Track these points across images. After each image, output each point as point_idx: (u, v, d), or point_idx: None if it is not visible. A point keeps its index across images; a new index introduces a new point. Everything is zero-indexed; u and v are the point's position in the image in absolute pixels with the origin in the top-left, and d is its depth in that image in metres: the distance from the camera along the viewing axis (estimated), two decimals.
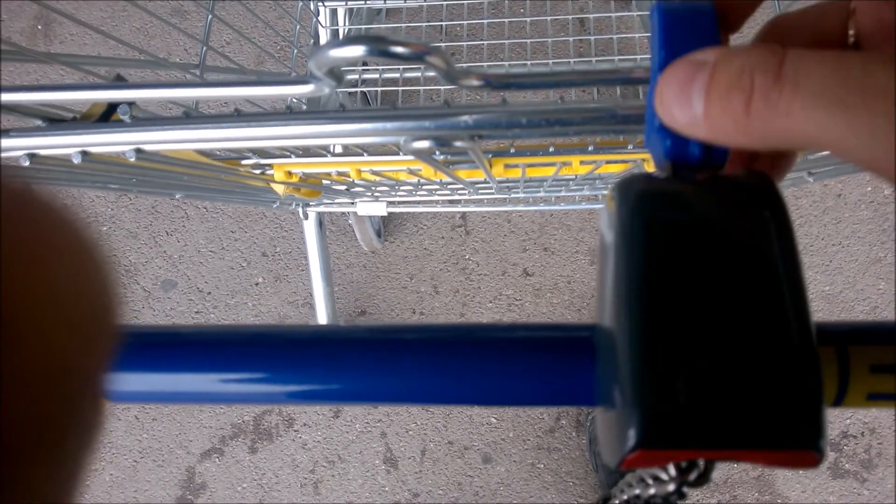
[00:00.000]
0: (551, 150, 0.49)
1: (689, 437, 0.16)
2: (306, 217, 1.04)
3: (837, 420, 1.16)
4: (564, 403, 0.22)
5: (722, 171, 0.20)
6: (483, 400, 0.22)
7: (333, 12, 0.89)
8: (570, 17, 0.88)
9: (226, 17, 1.26)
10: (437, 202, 1.03)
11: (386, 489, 1.20)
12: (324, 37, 0.89)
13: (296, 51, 0.78)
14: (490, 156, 0.52)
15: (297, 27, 0.78)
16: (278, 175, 0.55)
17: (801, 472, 1.14)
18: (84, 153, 0.35)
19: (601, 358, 0.20)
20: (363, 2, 0.88)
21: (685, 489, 0.22)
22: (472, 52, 1.17)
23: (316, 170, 0.55)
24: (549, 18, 0.88)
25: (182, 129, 0.32)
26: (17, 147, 0.34)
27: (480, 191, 0.78)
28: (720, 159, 0.20)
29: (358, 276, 1.26)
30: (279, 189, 0.60)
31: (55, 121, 0.35)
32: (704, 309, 0.17)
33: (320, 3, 0.87)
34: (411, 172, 0.56)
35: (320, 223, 1.08)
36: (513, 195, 0.82)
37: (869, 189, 1.18)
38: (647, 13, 0.30)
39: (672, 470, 0.22)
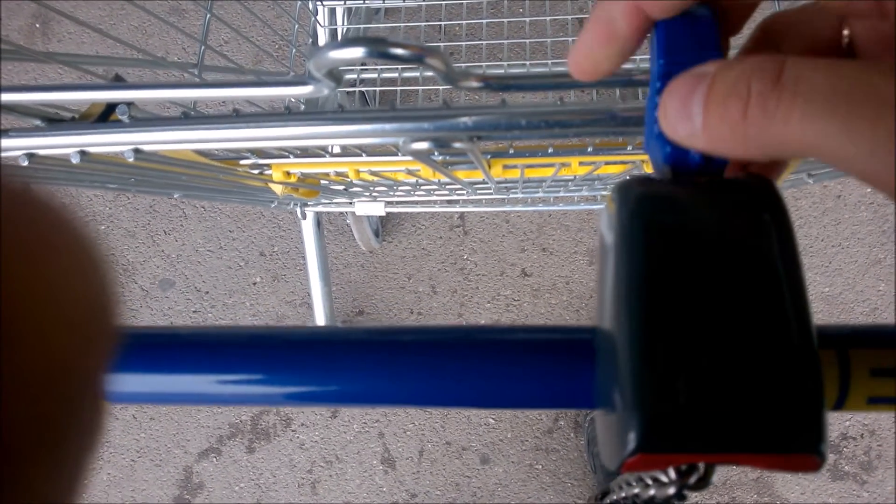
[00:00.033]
0: (550, 150, 0.49)
1: (689, 440, 0.16)
2: (304, 217, 1.04)
3: (837, 422, 1.16)
4: (564, 406, 0.22)
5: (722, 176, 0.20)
6: (483, 402, 0.22)
7: (332, 11, 0.89)
8: (569, 17, 0.88)
9: (224, 16, 1.26)
10: (435, 202, 1.03)
11: (384, 489, 1.20)
12: (322, 36, 0.89)
13: (294, 50, 0.78)
14: (489, 156, 0.52)
15: (296, 26, 0.78)
16: (276, 175, 0.55)
17: (800, 474, 1.14)
18: (83, 153, 0.35)
19: (601, 360, 0.20)
20: (362, 1, 0.88)
21: (685, 492, 0.21)
22: (470, 51, 1.17)
23: (314, 170, 0.54)
24: (548, 18, 0.88)
25: (180, 130, 0.32)
26: (16, 147, 0.34)
27: (479, 191, 0.78)
28: (720, 166, 0.20)
29: (356, 276, 1.26)
30: (277, 189, 0.60)
31: (54, 121, 0.35)
32: (705, 312, 0.17)
33: (319, 3, 0.87)
34: (409, 173, 0.56)
35: (318, 223, 1.08)
36: (511, 195, 0.82)
37: (869, 190, 1.18)
38: None
39: (672, 473, 0.22)
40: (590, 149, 0.47)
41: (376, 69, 0.89)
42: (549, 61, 0.85)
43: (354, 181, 0.59)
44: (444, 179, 0.57)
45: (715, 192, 0.19)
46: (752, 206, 0.18)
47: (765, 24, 0.22)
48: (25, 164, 0.35)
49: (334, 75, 0.27)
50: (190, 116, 0.33)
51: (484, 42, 0.86)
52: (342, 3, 0.88)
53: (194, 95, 0.32)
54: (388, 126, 0.30)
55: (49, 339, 0.10)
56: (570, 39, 0.88)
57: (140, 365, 0.23)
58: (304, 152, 0.50)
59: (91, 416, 0.11)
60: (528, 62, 0.89)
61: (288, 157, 0.49)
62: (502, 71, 0.92)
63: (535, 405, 0.22)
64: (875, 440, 1.14)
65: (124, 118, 0.34)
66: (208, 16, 0.52)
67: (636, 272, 0.18)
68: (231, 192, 0.66)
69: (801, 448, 0.16)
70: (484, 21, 0.88)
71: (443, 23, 1.14)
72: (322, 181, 0.64)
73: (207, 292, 1.27)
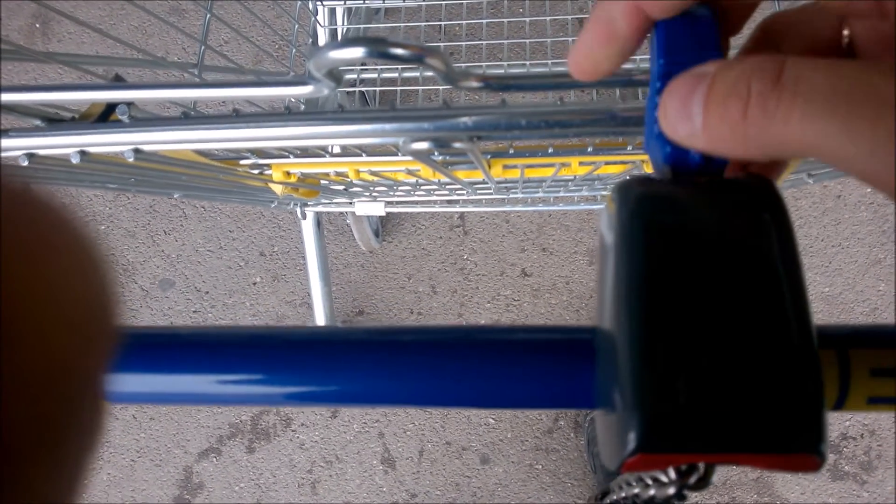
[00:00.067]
0: (550, 150, 0.49)
1: (689, 440, 0.16)
2: (304, 217, 1.04)
3: (837, 422, 1.16)
4: (564, 406, 0.22)
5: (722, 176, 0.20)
6: (483, 402, 0.22)
7: (332, 11, 0.89)
8: (569, 17, 0.88)
9: (224, 16, 1.26)
10: (435, 202, 1.03)
11: (384, 489, 1.20)
12: (322, 36, 0.89)
13: (294, 50, 0.78)
14: (489, 156, 0.52)
15: (296, 26, 0.78)
16: (276, 175, 0.55)
17: (800, 474, 1.14)
18: (83, 153, 0.35)
19: (601, 360, 0.20)
20: (362, 1, 0.88)
21: (685, 492, 0.21)
22: (470, 51, 1.17)
23: (314, 170, 0.54)
24: (548, 18, 0.88)
25: (180, 130, 0.32)
26: (16, 147, 0.34)
27: (479, 191, 0.78)
28: (720, 166, 0.20)
29: (356, 276, 1.26)
30: (277, 189, 0.60)
31: (54, 121, 0.35)
32: (705, 312, 0.17)
33: (319, 3, 0.87)
34: (409, 173, 0.56)
35: (318, 223, 1.08)
36: (511, 195, 0.82)
37: (869, 190, 1.18)
38: None
39: (672, 473, 0.22)
40: (590, 149, 0.47)
41: (376, 69, 0.89)
42: (549, 61, 0.85)
43: (354, 181, 0.59)
44: (444, 179, 0.57)
45: (715, 192, 0.19)
46: (752, 206, 0.18)
47: (765, 24, 0.22)
48: (25, 164, 0.35)
49: (334, 75, 0.27)
50: (190, 116, 0.33)
51: (484, 42, 0.86)
52: (342, 3, 0.88)
53: (194, 95, 0.32)
54: (388, 126, 0.30)
55: (49, 339, 0.10)
56: (570, 39, 0.88)
57: (140, 365, 0.23)
58: (304, 152, 0.50)
59: (91, 416, 0.11)
60: (528, 62, 0.89)
61: (288, 157, 0.49)
62: (502, 71, 0.92)
63: (535, 405, 0.22)
64: (875, 440, 1.14)
65: (124, 118, 0.34)
66: (208, 16, 0.52)
67: (636, 272, 0.18)
68: (231, 192, 0.66)
69: (801, 448, 0.16)
70: (484, 21, 0.88)
71: (443, 23, 1.14)
72: (322, 181, 0.64)
73: (207, 292, 1.27)
